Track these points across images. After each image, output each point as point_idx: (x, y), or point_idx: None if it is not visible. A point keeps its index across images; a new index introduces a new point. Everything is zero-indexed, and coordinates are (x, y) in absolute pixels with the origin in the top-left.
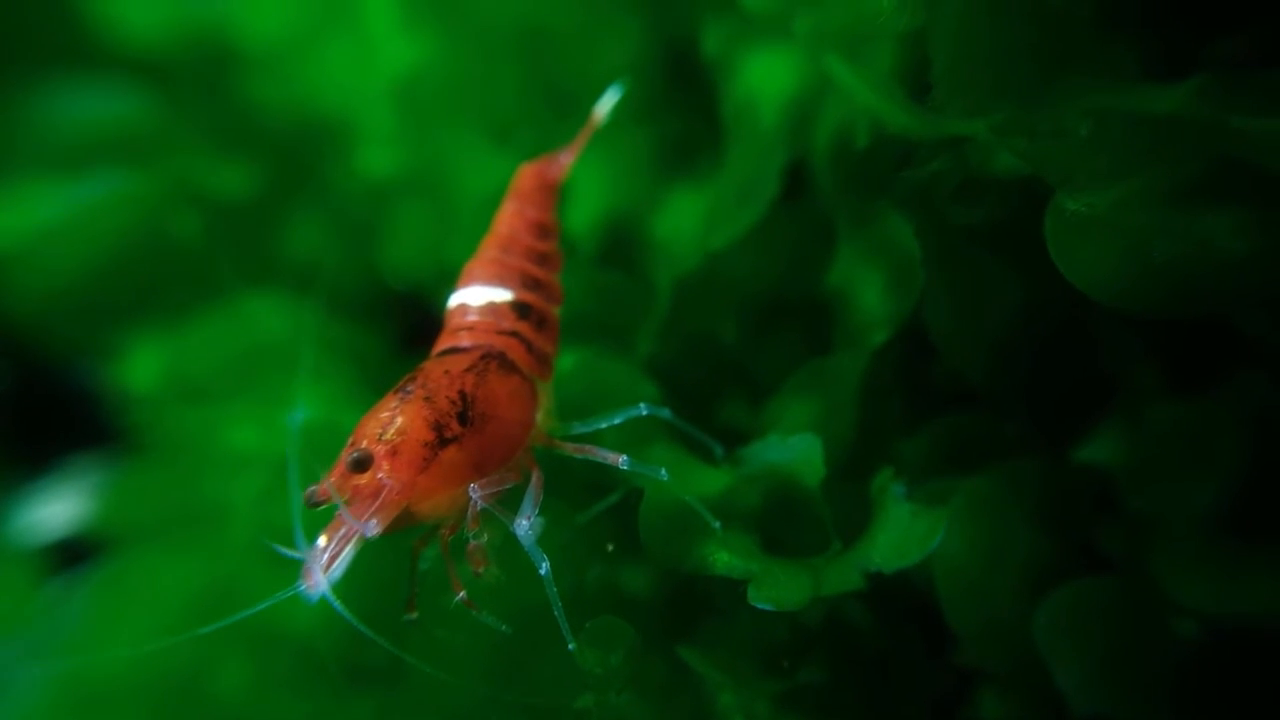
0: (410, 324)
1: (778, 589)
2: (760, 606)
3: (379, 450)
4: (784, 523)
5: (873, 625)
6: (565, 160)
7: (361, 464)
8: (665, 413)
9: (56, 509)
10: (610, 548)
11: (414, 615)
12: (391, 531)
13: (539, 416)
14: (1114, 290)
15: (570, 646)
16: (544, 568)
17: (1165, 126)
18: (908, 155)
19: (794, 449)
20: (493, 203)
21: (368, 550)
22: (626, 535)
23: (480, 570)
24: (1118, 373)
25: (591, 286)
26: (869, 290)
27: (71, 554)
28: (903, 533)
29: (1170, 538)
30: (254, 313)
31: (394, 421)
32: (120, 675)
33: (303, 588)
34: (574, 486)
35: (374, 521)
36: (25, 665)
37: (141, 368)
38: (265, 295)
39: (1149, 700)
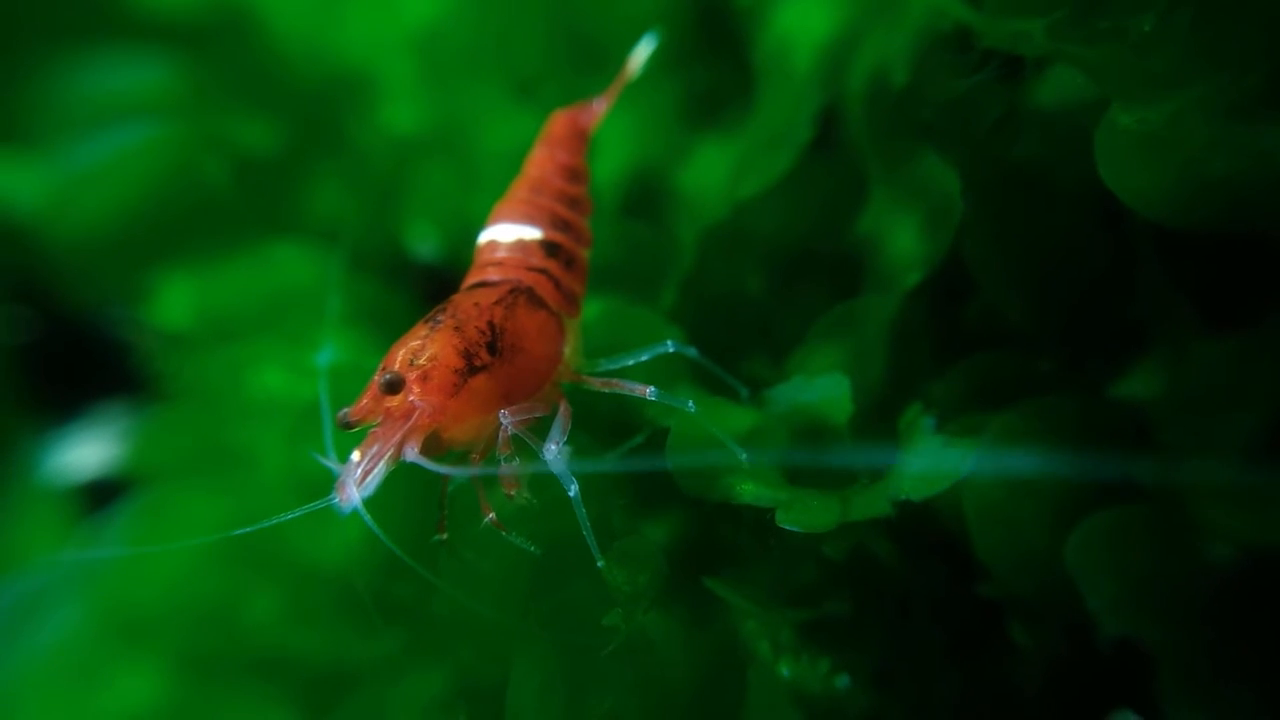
0: (430, 292)
1: (806, 513)
2: (787, 528)
3: (410, 375)
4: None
5: (899, 561)
6: (598, 108)
7: (394, 386)
8: (691, 351)
9: (86, 452)
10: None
11: (444, 536)
12: (423, 457)
13: (566, 352)
14: (1165, 207)
15: (599, 564)
16: (573, 490)
17: (1231, 23)
18: (948, 90)
19: (822, 388)
20: (515, 160)
21: (397, 477)
22: (646, 490)
23: (512, 492)
24: (1156, 311)
25: (616, 237)
26: (903, 233)
27: (101, 496)
28: (932, 462)
29: (1205, 470)
30: (282, 258)
31: (425, 349)
32: (157, 602)
33: (336, 500)
34: (599, 429)
35: (405, 439)
36: (65, 593)
37: (173, 305)
38: (293, 243)
39: (1182, 622)
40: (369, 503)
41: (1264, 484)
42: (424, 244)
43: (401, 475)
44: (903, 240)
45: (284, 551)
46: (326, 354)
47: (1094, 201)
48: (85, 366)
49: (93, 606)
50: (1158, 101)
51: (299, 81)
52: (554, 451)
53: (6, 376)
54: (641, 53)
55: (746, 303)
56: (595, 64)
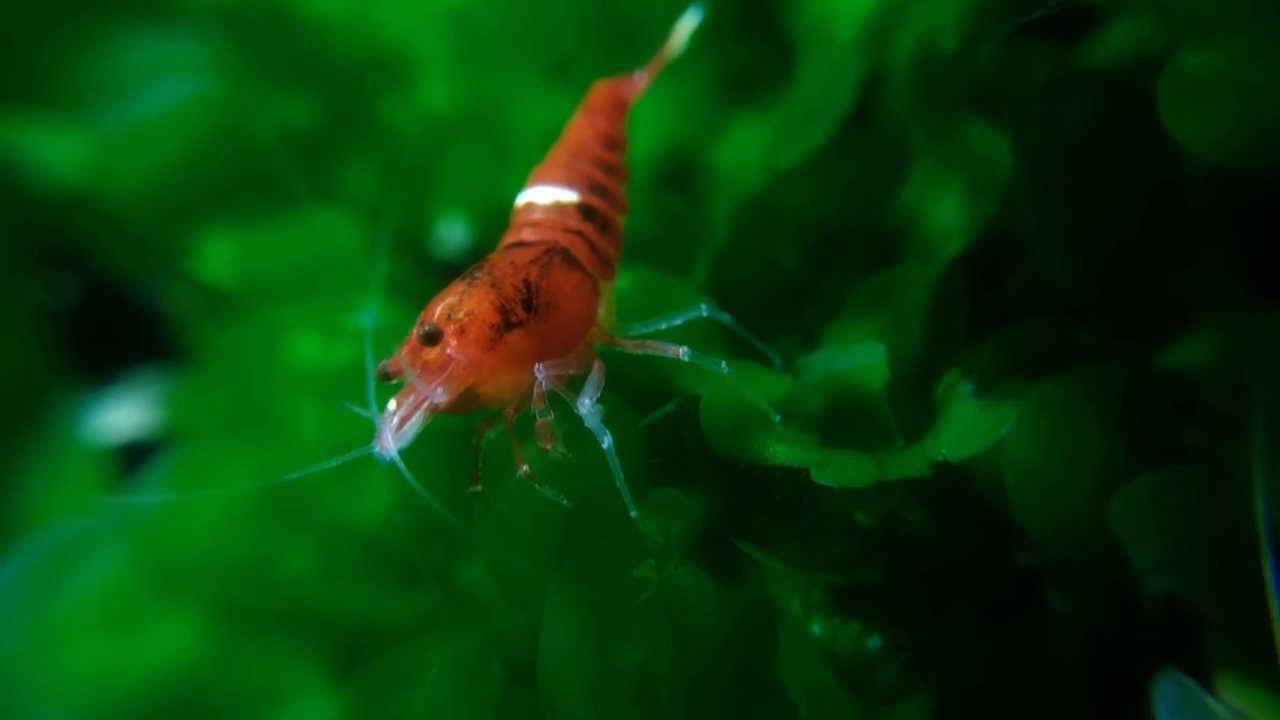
0: None
1: (842, 469)
2: (823, 483)
3: (448, 328)
4: (846, 427)
5: (933, 530)
6: (639, 81)
7: (432, 337)
8: (726, 317)
9: (123, 415)
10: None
11: (478, 489)
12: (458, 411)
13: (600, 313)
14: (1229, 150)
15: (632, 513)
16: (606, 441)
17: None
18: (1000, 52)
19: (857, 355)
20: (547, 142)
21: (431, 437)
22: (674, 467)
23: (548, 447)
24: (1206, 278)
25: (649, 211)
26: (945, 202)
27: (137, 458)
28: (970, 424)
29: (1255, 435)
30: (324, 223)
31: (462, 304)
32: (194, 553)
33: (374, 449)
34: (630, 396)
35: (442, 390)
36: (104, 542)
37: (214, 261)
38: (335, 210)
39: (1231, 581)
40: (405, 460)
41: None
42: (454, 229)
43: (436, 436)
44: (945, 209)
45: (318, 510)
46: (371, 312)
47: (1147, 167)
48: (123, 332)
49: (131, 556)
50: (1225, 43)
51: (334, 60)
52: (588, 405)
53: (48, 339)
54: (685, 27)
55: (780, 279)
56: (630, 45)
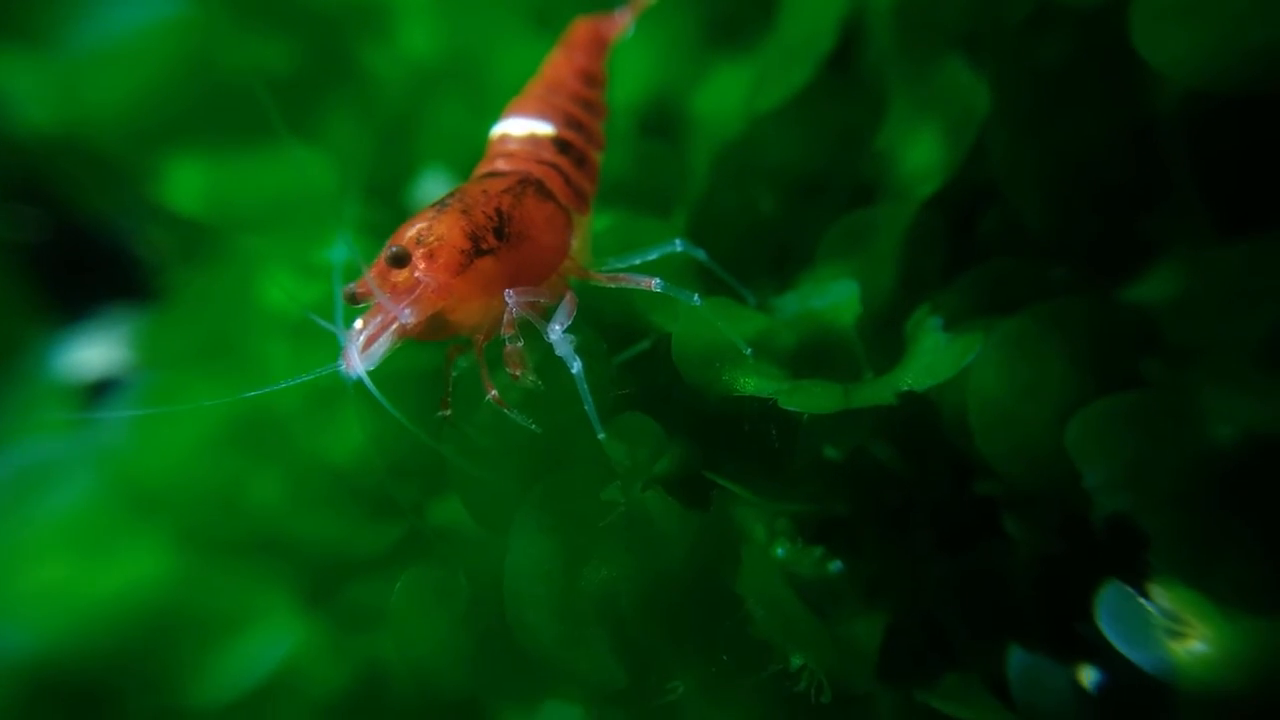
0: None
1: (809, 397)
2: (790, 410)
3: (417, 251)
4: (818, 363)
5: (900, 464)
6: (620, 19)
7: (400, 259)
8: (700, 253)
9: (94, 353)
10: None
11: (447, 413)
12: (428, 338)
13: (574, 246)
14: (1201, 71)
15: (600, 436)
16: (576, 367)
17: None
18: None
19: (830, 294)
20: None
21: (405, 375)
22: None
23: (518, 374)
24: (1176, 214)
25: (631, 154)
26: (921, 143)
27: (107, 395)
28: (936, 355)
29: (1212, 365)
30: (298, 159)
31: (432, 229)
32: (163, 479)
33: (341, 367)
34: (605, 333)
35: (409, 311)
36: (74, 466)
37: (184, 188)
38: (311, 147)
39: (1176, 499)
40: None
41: (1268, 380)
42: (434, 180)
43: (409, 376)
44: (921, 150)
45: (289, 442)
46: (342, 245)
47: (1123, 104)
48: (95, 270)
49: (99, 480)
50: None
51: (312, 3)
52: (558, 332)
53: (18, 276)
54: None
55: (760, 227)
56: None
